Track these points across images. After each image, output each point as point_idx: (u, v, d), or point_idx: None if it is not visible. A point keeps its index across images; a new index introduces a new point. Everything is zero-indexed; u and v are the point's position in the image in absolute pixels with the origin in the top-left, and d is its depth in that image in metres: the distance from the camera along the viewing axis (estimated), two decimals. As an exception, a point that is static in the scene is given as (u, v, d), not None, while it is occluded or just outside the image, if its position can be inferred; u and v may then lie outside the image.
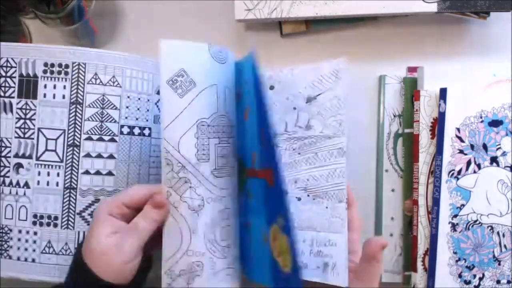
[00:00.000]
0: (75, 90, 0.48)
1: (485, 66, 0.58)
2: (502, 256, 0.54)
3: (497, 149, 0.54)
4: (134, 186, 0.46)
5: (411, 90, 0.58)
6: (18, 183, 0.48)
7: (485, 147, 0.54)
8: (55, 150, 0.48)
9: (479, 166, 0.54)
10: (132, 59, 0.50)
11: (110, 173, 0.49)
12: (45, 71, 0.48)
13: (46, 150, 0.48)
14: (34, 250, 0.48)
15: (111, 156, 0.49)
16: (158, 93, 0.51)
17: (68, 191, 0.48)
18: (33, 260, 0.48)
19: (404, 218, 0.58)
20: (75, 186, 0.48)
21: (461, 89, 0.55)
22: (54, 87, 0.48)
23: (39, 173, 0.48)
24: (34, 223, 0.48)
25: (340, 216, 0.45)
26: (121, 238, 0.42)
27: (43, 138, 0.48)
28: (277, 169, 0.38)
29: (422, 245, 0.55)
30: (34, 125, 0.48)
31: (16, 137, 0.48)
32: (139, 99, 0.50)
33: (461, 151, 0.54)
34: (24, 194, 0.48)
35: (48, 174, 0.48)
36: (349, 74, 0.60)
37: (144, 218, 0.43)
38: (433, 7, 0.56)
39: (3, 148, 0.49)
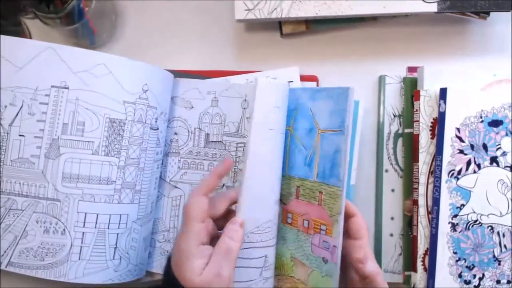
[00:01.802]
0: None
1: (485, 66, 0.58)
2: (502, 256, 0.54)
3: (497, 149, 0.54)
4: (214, 197, 0.47)
5: (411, 90, 0.58)
6: None
7: (485, 147, 0.54)
8: None
9: (479, 166, 0.54)
10: None
11: None
12: None
13: None
14: None
15: None
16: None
17: None
18: None
19: (404, 218, 0.58)
20: None
21: (461, 89, 0.55)
22: None
23: None
24: None
25: None
26: (218, 266, 0.42)
27: None
28: None
29: (422, 245, 0.55)
30: None
31: None
32: None
33: (461, 151, 0.54)
34: None
35: None
36: (350, 74, 0.61)
37: (233, 238, 0.44)
38: (433, 7, 0.56)
39: None
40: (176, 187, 0.57)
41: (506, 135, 0.54)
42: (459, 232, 0.53)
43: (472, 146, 0.54)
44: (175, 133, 0.57)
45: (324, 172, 0.47)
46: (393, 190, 0.59)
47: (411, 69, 0.59)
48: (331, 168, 0.46)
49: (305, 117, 0.50)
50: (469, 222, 0.53)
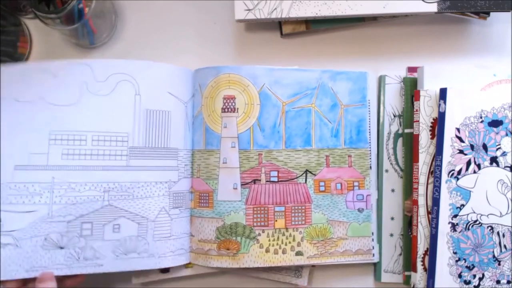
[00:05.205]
0: None
1: (485, 66, 0.58)
2: (502, 256, 0.54)
3: (497, 149, 0.54)
4: None
5: (411, 90, 0.58)
6: None
7: (485, 147, 0.54)
8: None
9: (479, 166, 0.54)
10: None
11: None
12: None
13: None
14: None
15: None
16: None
17: None
18: None
19: (404, 218, 0.58)
20: None
21: (461, 89, 0.55)
22: None
23: None
24: None
25: None
26: None
27: None
28: None
29: (422, 245, 0.55)
30: None
31: None
32: None
33: (461, 151, 0.54)
34: None
35: None
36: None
37: None
38: (433, 7, 0.56)
39: None
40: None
41: (506, 135, 0.54)
42: (459, 232, 0.53)
43: (472, 146, 0.54)
44: None
45: (352, 138, 0.58)
46: (393, 190, 0.59)
47: (411, 69, 0.59)
48: (357, 134, 0.58)
49: (327, 95, 0.58)
50: (469, 222, 0.53)
